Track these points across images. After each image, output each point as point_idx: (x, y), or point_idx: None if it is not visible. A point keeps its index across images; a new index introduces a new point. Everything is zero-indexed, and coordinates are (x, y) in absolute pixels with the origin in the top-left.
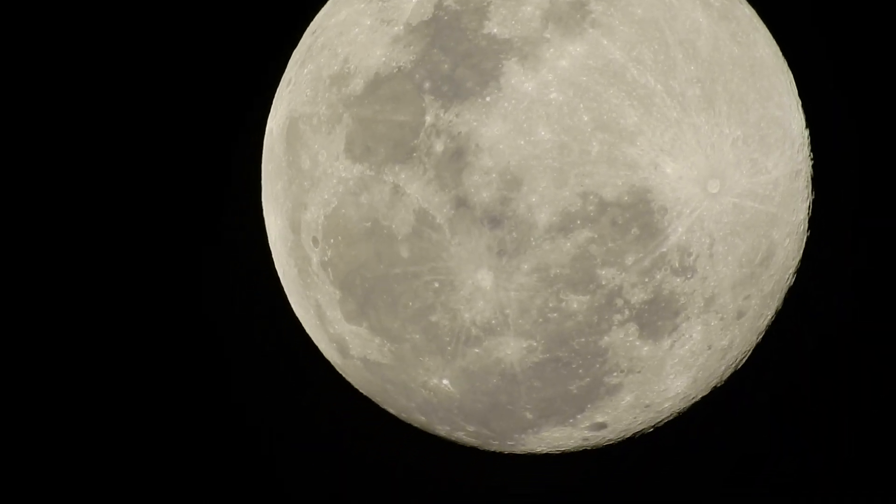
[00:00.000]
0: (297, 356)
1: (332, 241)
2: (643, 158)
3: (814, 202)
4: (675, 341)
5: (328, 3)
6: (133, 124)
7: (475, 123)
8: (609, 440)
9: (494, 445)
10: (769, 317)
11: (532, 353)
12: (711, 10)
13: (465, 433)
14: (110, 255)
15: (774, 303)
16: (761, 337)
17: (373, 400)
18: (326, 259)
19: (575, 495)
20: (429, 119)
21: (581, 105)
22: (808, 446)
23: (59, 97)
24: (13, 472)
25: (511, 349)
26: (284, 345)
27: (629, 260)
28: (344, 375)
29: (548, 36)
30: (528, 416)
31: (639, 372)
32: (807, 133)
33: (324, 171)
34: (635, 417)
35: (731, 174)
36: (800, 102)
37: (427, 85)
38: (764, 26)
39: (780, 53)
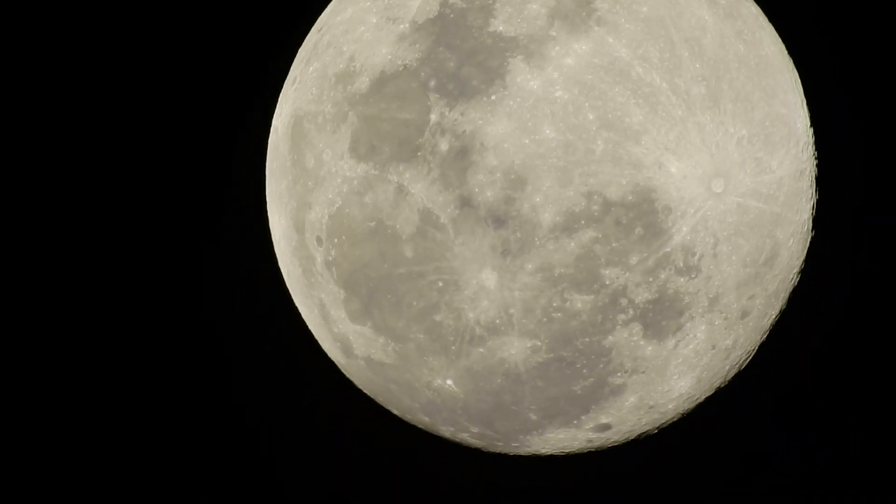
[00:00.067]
0: (300, 356)
1: (336, 240)
2: (648, 157)
3: (818, 202)
4: (679, 341)
5: (333, 0)
6: (135, 123)
7: (480, 122)
8: (613, 442)
9: (499, 447)
10: (773, 316)
11: (536, 352)
12: (717, 8)
13: (469, 434)
14: (112, 254)
15: (779, 302)
16: (765, 337)
17: (376, 400)
18: (330, 258)
19: (579, 497)
20: (434, 117)
21: (586, 103)
22: (813, 446)
23: (59, 95)
24: (13, 471)
25: (515, 349)
26: (287, 344)
27: (633, 259)
28: (347, 375)
29: (553, 34)
30: (533, 416)
31: (643, 372)
32: (811, 132)
33: (328, 171)
34: (639, 418)
35: (736, 173)
36: (804, 101)
37: (432, 83)
38: (769, 24)
39: (785, 51)
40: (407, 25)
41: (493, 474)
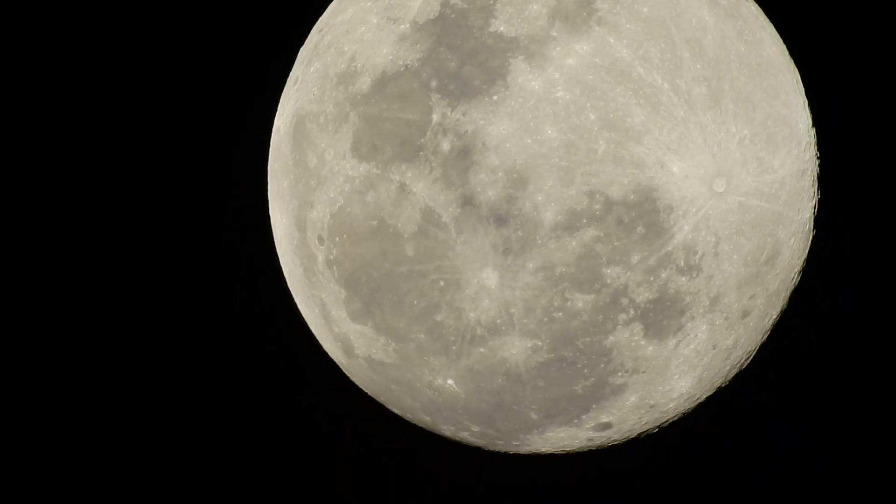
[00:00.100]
0: (300, 355)
1: (337, 239)
2: (650, 157)
3: (819, 201)
4: (680, 341)
5: (335, 1)
6: (136, 123)
7: (482, 122)
8: (614, 441)
9: (499, 446)
10: (774, 316)
11: (537, 352)
12: (718, 8)
13: (470, 433)
14: (113, 255)
15: (780, 302)
16: (766, 336)
17: (377, 400)
18: (332, 258)
19: (580, 496)
20: (435, 117)
21: (588, 104)
22: (813, 446)
23: (61, 95)
24: (14, 471)
25: (516, 349)
26: (287, 344)
27: (635, 259)
28: (349, 375)
29: (554, 34)
30: (533, 416)
31: (643, 372)
32: (813, 132)
33: (330, 170)
34: (640, 418)
35: (738, 173)
36: (806, 101)
37: (434, 83)
38: (770, 24)
39: (786, 52)
40: (408, 26)
41: (494, 473)
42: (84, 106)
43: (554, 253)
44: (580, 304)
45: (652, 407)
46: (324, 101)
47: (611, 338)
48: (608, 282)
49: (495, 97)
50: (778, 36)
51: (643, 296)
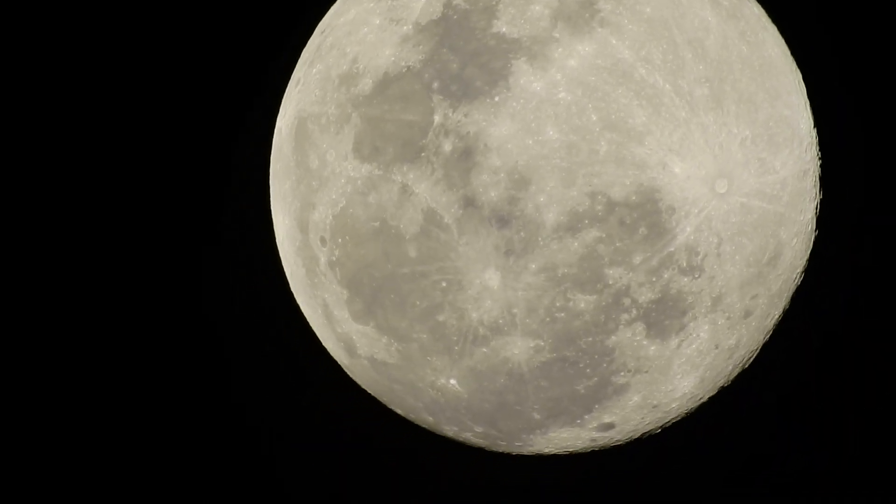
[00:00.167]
0: (303, 356)
1: (339, 240)
2: (651, 158)
3: (821, 202)
4: (682, 341)
5: (337, 2)
6: (137, 124)
7: (484, 123)
8: (616, 441)
9: (502, 446)
10: (776, 316)
11: (539, 352)
12: (720, 9)
13: (472, 434)
14: (114, 255)
15: (782, 302)
16: (768, 336)
17: (380, 400)
18: (334, 259)
19: (582, 496)
20: (437, 119)
21: (589, 105)
22: (815, 445)
23: (62, 96)
24: (14, 471)
25: (518, 349)
26: (290, 344)
27: (637, 259)
28: (351, 375)
29: (557, 35)
30: (536, 416)
31: (646, 372)
32: (815, 132)
33: (332, 171)
34: (643, 418)
35: (740, 174)
36: (808, 102)
37: (436, 84)
38: (772, 25)
39: (788, 52)
40: (410, 27)
41: (497, 473)
42: (86, 107)
43: (556, 254)
44: (582, 305)
45: (655, 407)
46: (326, 102)
47: (613, 338)
48: (610, 282)
49: (497, 98)
50: (780, 36)
51: (645, 296)
